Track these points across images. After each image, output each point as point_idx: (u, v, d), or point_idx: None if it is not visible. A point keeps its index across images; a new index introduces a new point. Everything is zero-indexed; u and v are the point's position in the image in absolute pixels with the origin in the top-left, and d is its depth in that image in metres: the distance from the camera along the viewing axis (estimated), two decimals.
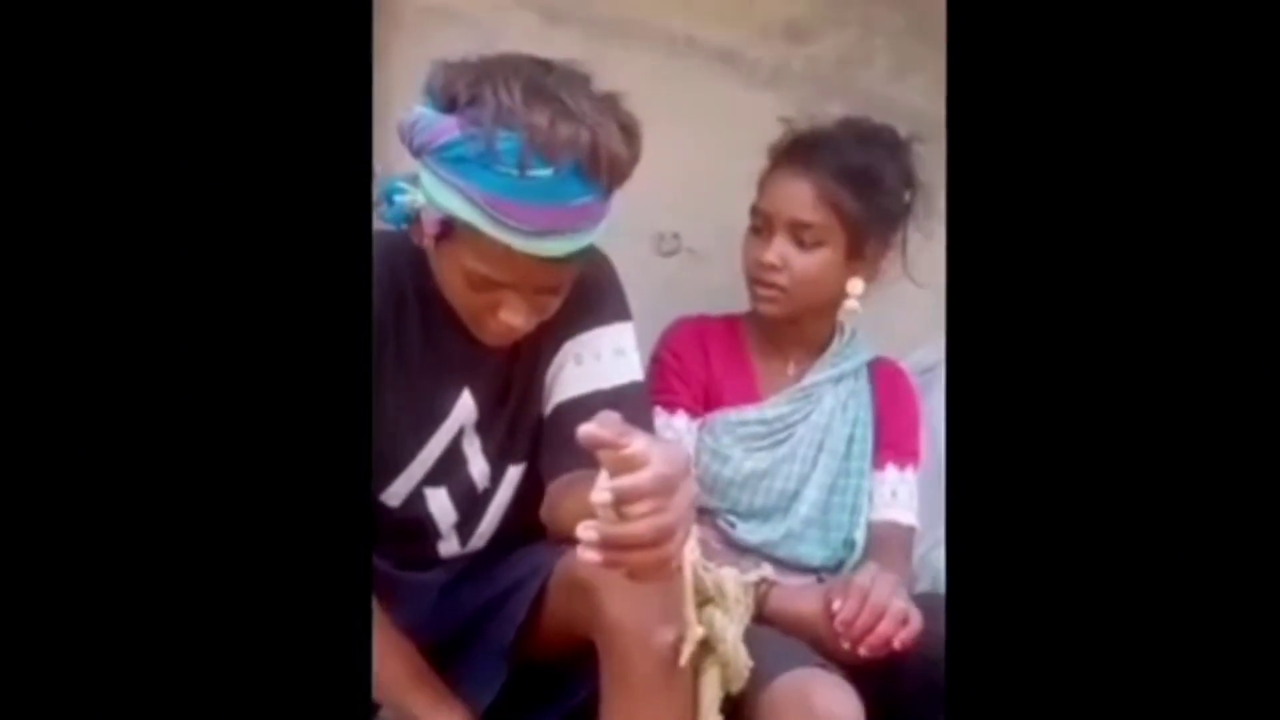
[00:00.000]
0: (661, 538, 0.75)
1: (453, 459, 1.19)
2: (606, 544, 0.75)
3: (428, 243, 1.08)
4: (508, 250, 1.01)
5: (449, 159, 1.00)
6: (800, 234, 1.35)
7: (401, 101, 1.12)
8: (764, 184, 1.40)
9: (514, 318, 1.08)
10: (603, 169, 1.00)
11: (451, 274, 1.08)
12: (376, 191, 1.10)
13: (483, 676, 1.10)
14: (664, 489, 0.75)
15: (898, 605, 1.12)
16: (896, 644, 1.12)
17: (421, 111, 1.04)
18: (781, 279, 1.36)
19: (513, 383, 1.20)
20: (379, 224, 1.14)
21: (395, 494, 1.18)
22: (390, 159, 1.16)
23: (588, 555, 0.75)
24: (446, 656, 1.14)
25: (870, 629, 1.12)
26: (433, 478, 1.19)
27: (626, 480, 0.74)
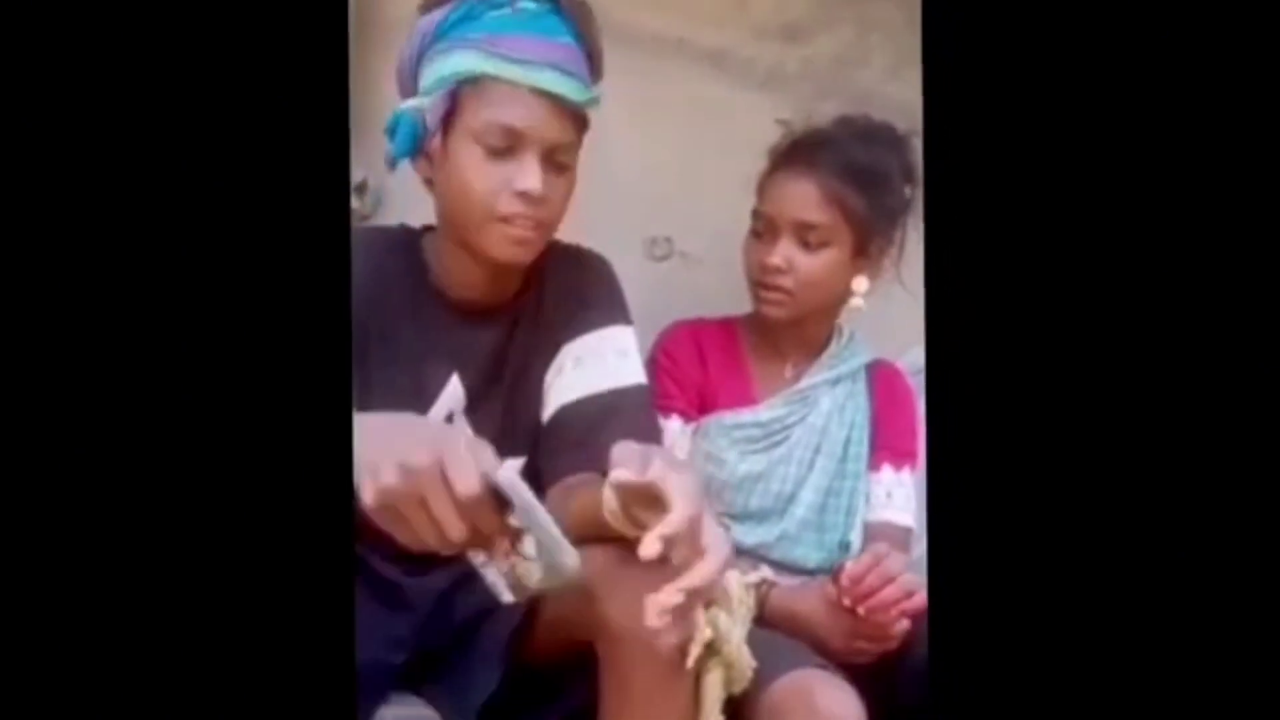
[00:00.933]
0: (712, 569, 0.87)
1: None
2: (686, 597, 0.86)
3: (435, 147, 1.13)
4: (513, 89, 1.10)
5: (448, 28, 1.12)
6: (805, 235, 1.35)
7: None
8: (764, 186, 1.39)
9: (528, 181, 1.10)
10: (575, 13, 1.13)
11: (463, 159, 1.11)
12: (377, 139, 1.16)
13: (477, 678, 1.09)
14: (696, 528, 0.85)
15: (909, 577, 1.13)
16: (895, 612, 1.12)
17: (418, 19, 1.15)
18: (787, 281, 1.35)
19: (505, 369, 1.20)
20: (372, 221, 1.14)
21: None
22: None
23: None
24: (442, 659, 1.14)
25: (875, 591, 1.13)
26: None
27: (666, 529, 0.84)
